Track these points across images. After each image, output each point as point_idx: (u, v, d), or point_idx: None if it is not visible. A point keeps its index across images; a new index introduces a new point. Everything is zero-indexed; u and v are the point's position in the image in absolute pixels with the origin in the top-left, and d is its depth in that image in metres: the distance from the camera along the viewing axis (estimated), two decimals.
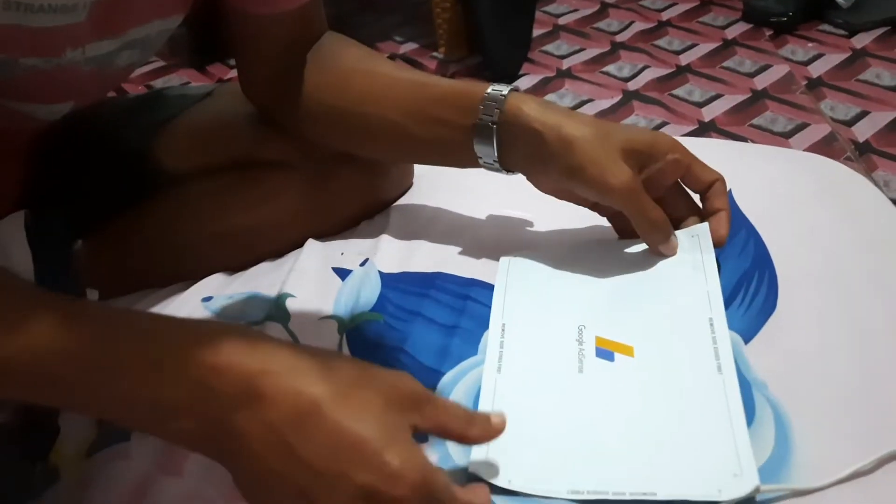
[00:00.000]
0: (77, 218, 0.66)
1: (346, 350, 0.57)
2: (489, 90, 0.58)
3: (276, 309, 0.60)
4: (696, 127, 1.55)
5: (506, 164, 0.60)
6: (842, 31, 1.87)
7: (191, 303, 0.63)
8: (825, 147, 1.46)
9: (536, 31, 1.94)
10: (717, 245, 0.57)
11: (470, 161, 0.60)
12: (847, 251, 0.62)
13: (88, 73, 0.56)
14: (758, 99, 1.63)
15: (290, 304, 0.60)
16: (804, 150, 1.43)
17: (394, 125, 0.62)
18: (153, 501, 0.46)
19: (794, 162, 0.74)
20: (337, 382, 0.38)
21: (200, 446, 0.39)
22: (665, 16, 2.04)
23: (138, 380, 0.38)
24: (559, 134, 0.56)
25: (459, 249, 0.66)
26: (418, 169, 0.76)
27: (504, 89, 0.58)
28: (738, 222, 0.65)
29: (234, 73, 1.80)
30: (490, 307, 0.58)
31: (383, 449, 0.36)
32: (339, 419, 0.37)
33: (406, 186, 0.75)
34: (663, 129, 1.55)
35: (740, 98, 1.63)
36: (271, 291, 0.63)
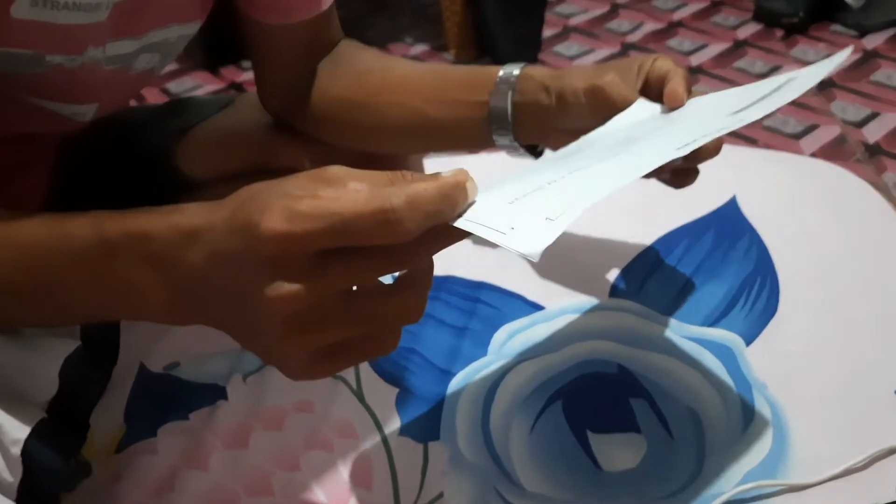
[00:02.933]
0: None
1: None
2: (502, 70, 0.60)
3: None
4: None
5: (521, 132, 0.60)
6: (853, 32, 1.88)
7: None
8: (835, 148, 1.47)
9: (546, 32, 1.95)
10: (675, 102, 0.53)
11: (486, 140, 0.62)
12: (847, 256, 0.64)
13: (109, 72, 0.59)
14: None
15: None
16: (814, 152, 1.45)
17: (411, 111, 0.64)
18: (179, 493, 0.49)
19: (798, 167, 0.76)
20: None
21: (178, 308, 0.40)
22: (676, 16, 2.05)
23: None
24: (571, 72, 0.57)
25: (469, 252, 0.68)
26: (427, 164, 0.78)
27: (517, 68, 0.60)
28: (742, 228, 0.67)
29: (246, 76, 1.83)
30: (501, 308, 0.61)
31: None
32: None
33: None
34: None
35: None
36: None
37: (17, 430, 0.44)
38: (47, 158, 0.71)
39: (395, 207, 0.33)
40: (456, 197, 0.35)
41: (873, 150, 1.46)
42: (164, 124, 0.74)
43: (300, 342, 0.36)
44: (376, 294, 0.36)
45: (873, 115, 1.56)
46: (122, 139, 0.73)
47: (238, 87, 1.82)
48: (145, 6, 0.56)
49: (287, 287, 0.34)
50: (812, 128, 1.53)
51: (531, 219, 0.37)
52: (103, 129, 0.72)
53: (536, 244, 0.35)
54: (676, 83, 0.54)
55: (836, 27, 1.90)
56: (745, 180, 0.71)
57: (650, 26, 2.00)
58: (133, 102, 0.83)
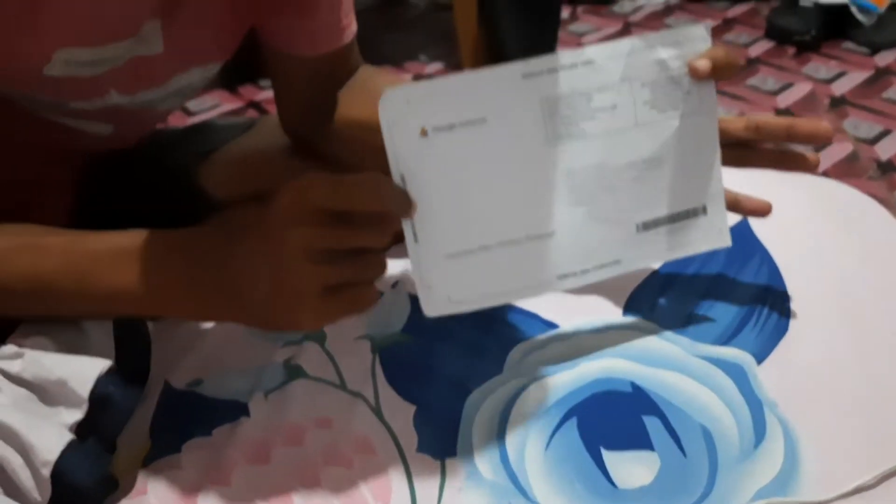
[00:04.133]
0: None
1: (378, 368, 0.60)
2: None
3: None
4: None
5: None
6: (864, 50, 1.89)
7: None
8: (848, 165, 1.48)
9: (560, 50, 1.98)
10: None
11: None
12: (858, 275, 0.65)
13: (130, 111, 0.61)
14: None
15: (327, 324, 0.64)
16: (827, 169, 1.45)
17: None
18: None
19: (809, 186, 0.76)
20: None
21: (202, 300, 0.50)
22: None
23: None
24: None
25: None
26: None
27: None
28: (752, 247, 0.68)
29: (264, 94, 1.86)
30: (516, 327, 0.62)
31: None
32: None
33: None
34: None
35: None
36: None
37: (47, 452, 0.46)
38: (73, 177, 0.73)
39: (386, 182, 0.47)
40: None
41: (885, 167, 1.47)
42: (188, 146, 0.76)
43: (316, 273, 0.45)
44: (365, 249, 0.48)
45: (886, 132, 1.57)
46: (147, 160, 0.75)
47: (256, 106, 1.85)
48: (167, 58, 0.58)
49: (305, 229, 0.45)
50: (825, 145, 1.54)
51: (445, 288, 0.51)
52: (129, 150, 0.74)
53: (433, 311, 0.52)
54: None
55: (848, 44, 1.92)
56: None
57: None
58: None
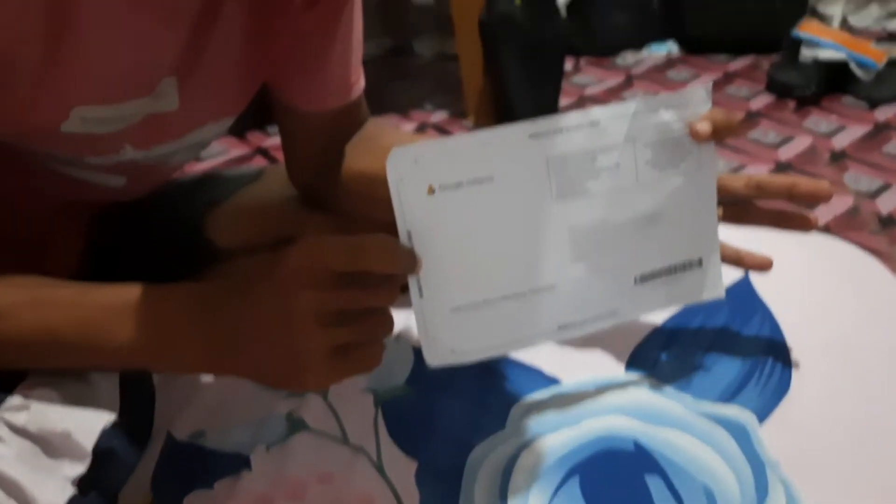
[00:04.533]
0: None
1: (381, 422, 0.60)
2: None
3: None
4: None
5: None
6: (864, 104, 1.91)
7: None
8: (849, 219, 1.49)
9: (563, 101, 2.00)
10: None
11: None
12: (859, 333, 0.65)
13: (144, 165, 0.63)
14: (782, 170, 1.67)
15: None
16: (828, 223, 1.46)
17: None
18: None
19: (809, 243, 0.77)
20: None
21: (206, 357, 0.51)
22: (690, 87, 2.10)
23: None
24: None
25: None
26: None
27: None
28: (754, 305, 0.68)
29: (271, 141, 1.88)
30: (519, 382, 0.62)
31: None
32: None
33: None
34: None
35: (765, 169, 1.67)
36: None
37: None
38: (84, 227, 0.74)
39: (395, 243, 0.48)
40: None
41: (886, 222, 1.47)
42: (197, 197, 0.78)
43: (324, 335, 0.46)
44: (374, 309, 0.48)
45: (886, 186, 1.58)
46: (157, 210, 0.76)
47: (263, 152, 1.88)
48: (182, 115, 0.60)
49: (315, 292, 0.46)
50: None
51: (448, 341, 0.53)
52: (139, 200, 0.75)
53: (436, 361, 0.53)
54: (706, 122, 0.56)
55: (848, 99, 1.94)
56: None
57: None
58: None
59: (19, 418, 0.50)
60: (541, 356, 0.64)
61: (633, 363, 0.64)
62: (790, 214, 0.60)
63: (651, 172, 0.55)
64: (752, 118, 1.91)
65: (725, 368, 0.62)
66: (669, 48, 2.32)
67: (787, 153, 1.74)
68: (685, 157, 0.56)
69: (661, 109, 0.55)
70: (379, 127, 0.75)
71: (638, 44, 2.32)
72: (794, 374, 0.61)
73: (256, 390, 0.64)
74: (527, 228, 0.53)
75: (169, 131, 0.61)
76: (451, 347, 0.53)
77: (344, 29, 0.67)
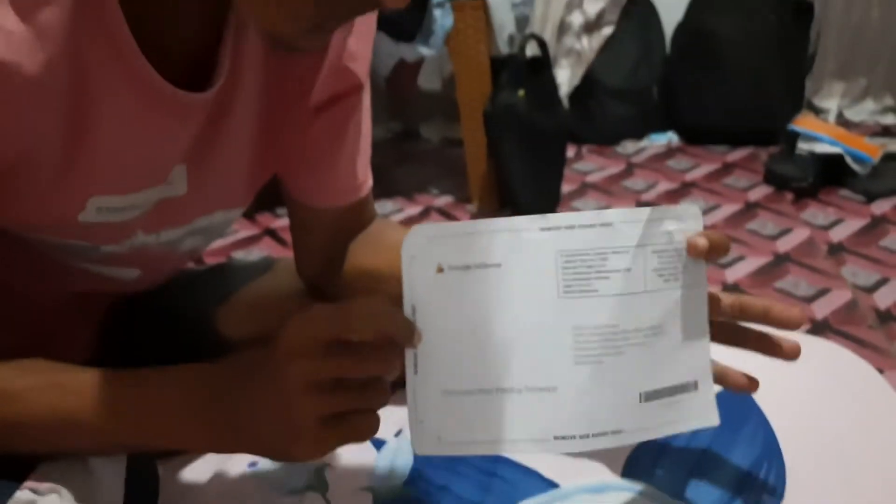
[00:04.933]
0: None
1: None
2: None
3: (315, 478, 0.65)
4: (719, 289, 1.61)
5: None
6: (860, 198, 1.95)
7: (237, 467, 0.68)
8: (848, 314, 1.50)
9: (565, 188, 2.05)
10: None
11: None
12: (853, 442, 0.66)
13: (157, 251, 0.65)
14: (780, 262, 1.69)
15: (329, 475, 0.65)
16: (826, 316, 1.48)
17: None
18: None
19: (804, 347, 0.79)
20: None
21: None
22: (689, 177, 2.15)
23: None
24: None
25: None
26: None
27: None
28: (748, 411, 0.69)
29: (280, 222, 1.92)
30: (517, 485, 0.63)
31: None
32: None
33: None
34: None
35: (763, 261, 1.69)
36: None
37: None
38: (96, 318, 0.76)
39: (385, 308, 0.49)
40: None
41: (885, 317, 1.49)
42: (207, 288, 0.80)
43: (314, 404, 0.47)
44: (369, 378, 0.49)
45: (883, 281, 1.60)
46: (169, 302, 0.78)
47: (272, 233, 1.91)
48: (190, 200, 0.62)
49: (304, 361, 0.47)
50: (824, 291, 1.57)
51: (437, 426, 0.52)
52: (151, 293, 0.77)
53: (422, 449, 0.53)
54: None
55: (845, 192, 1.98)
56: (751, 359, 0.73)
57: (664, 185, 2.09)
58: None
59: None
60: (539, 458, 0.65)
61: (629, 469, 0.64)
62: (773, 342, 0.60)
63: (656, 281, 0.55)
64: (750, 209, 1.95)
65: (720, 475, 0.63)
66: (669, 138, 2.38)
67: (785, 245, 1.77)
68: (683, 271, 0.56)
69: (666, 220, 0.55)
70: (384, 225, 0.78)
71: (638, 133, 2.39)
72: (789, 481, 0.62)
73: (257, 486, 0.65)
74: (531, 320, 0.53)
75: (178, 216, 0.63)
76: (438, 434, 0.52)
77: (353, 132, 0.70)
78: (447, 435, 0.52)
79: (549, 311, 0.53)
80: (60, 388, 0.54)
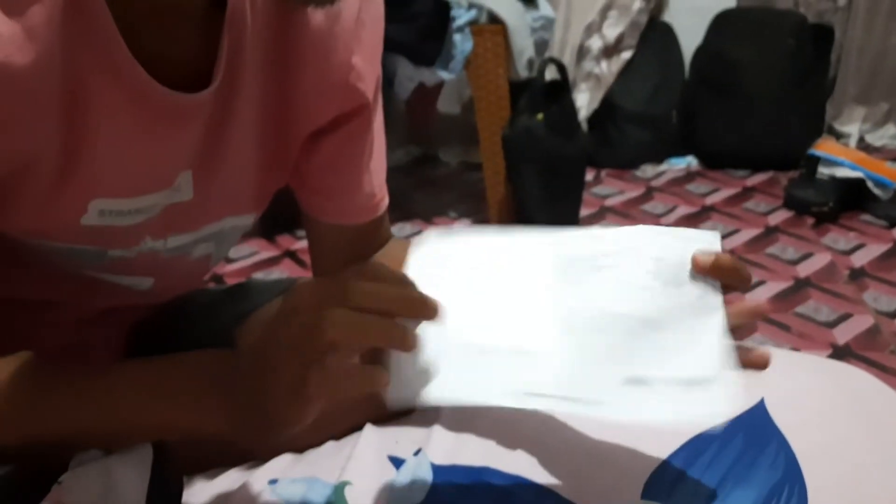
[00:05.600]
0: None
1: None
2: None
3: (335, 496, 0.65)
4: None
5: None
6: (882, 223, 1.94)
7: (258, 483, 0.69)
8: (869, 339, 1.49)
9: (584, 211, 2.05)
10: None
11: None
12: (875, 466, 0.65)
13: (168, 258, 0.66)
14: (801, 287, 1.68)
15: (349, 492, 0.66)
16: (848, 341, 1.46)
17: None
18: None
19: (825, 371, 0.78)
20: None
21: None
22: (709, 201, 2.14)
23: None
24: None
25: (506, 444, 0.71)
26: None
27: None
28: (770, 433, 0.69)
29: (300, 244, 1.93)
30: None
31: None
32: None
33: None
34: None
35: (784, 286, 1.68)
36: (332, 477, 0.68)
37: None
38: (117, 341, 0.77)
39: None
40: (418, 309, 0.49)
41: None
42: (227, 308, 0.81)
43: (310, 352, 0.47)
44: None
45: None
46: (189, 321, 0.79)
47: (292, 255, 1.93)
48: (197, 206, 0.63)
49: (307, 317, 0.47)
50: (845, 317, 1.55)
51: (411, 380, 0.51)
52: (171, 311, 0.78)
53: (394, 402, 0.52)
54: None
55: (866, 217, 1.97)
56: (772, 382, 0.73)
57: (683, 209, 2.09)
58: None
59: None
60: (558, 479, 0.65)
61: (648, 491, 0.64)
62: (746, 351, 0.60)
63: (652, 282, 0.57)
64: (770, 233, 1.94)
65: (740, 500, 0.62)
66: (689, 162, 2.38)
67: (805, 270, 1.76)
68: (690, 282, 0.57)
69: (668, 236, 0.58)
70: (399, 246, 0.78)
71: (657, 157, 2.39)
72: None
73: (277, 502, 0.65)
74: (521, 295, 0.57)
75: (186, 221, 0.64)
76: (413, 386, 0.52)
77: (367, 151, 0.71)
78: (421, 386, 0.52)
79: (541, 291, 0.56)
80: (79, 384, 0.55)
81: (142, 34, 0.51)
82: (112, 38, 0.49)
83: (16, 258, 0.60)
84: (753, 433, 0.68)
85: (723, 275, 0.56)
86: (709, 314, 0.57)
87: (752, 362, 0.61)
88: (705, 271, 0.56)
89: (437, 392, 0.52)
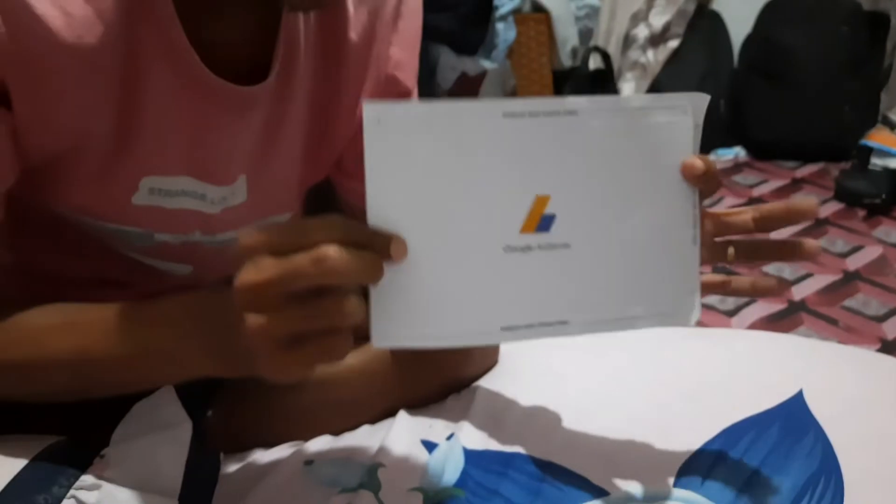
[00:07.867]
0: (208, 391, 0.75)
1: None
2: None
3: (368, 477, 0.66)
4: (785, 307, 1.56)
5: None
6: None
7: (294, 464, 0.70)
8: None
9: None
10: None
11: None
12: None
13: (209, 249, 0.68)
14: (850, 280, 1.64)
15: (382, 474, 0.66)
16: None
17: None
18: None
19: (867, 363, 0.77)
20: None
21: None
22: (756, 192, 2.10)
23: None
24: None
25: (538, 430, 0.71)
26: (503, 348, 0.83)
27: None
28: (807, 424, 0.68)
29: None
30: (566, 491, 0.63)
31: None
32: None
33: (490, 365, 0.82)
34: (750, 306, 1.57)
35: (832, 279, 1.64)
36: (365, 459, 0.69)
37: None
38: None
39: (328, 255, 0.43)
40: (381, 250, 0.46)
41: None
42: None
43: (265, 324, 0.43)
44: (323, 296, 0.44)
45: None
46: None
47: None
48: (249, 207, 0.65)
49: (247, 274, 0.45)
50: (894, 311, 1.52)
51: (391, 321, 0.48)
52: None
53: (378, 342, 0.48)
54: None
55: None
56: (812, 374, 0.72)
57: (730, 200, 2.05)
58: None
59: (91, 497, 0.53)
60: (589, 465, 0.65)
61: (681, 478, 0.64)
62: (795, 244, 0.59)
63: (627, 176, 0.53)
64: (820, 226, 1.90)
65: (775, 489, 0.62)
66: (737, 153, 2.34)
67: (855, 262, 1.72)
68: (662, 182, 0.55)
69: (655, 111, 0.55)
70: None
71: (705, 148, 2.34)
72: (847, 499, 0.61)
73: (311, 483, 0.66)
74: (484, 211, 0.50)
75: (237, 221, 0.66)
76: (393, 329, 0.48)
77: None
78: (406, 326, 0.49)
79: (504, 202, 0.50)
80: (73, 325, 0.56)
81: (200, 20, 0.54)
82: (171, 22, 0.52)
83: (66, 236, 0.62)
84: (790, 423, 0.67)
85: (704, 183, 0.55)
86: (680, 217, 0.55)
87: (767, 288, 0.60)
88: (693, 178, 0.55)
89: (419, 331, 0.49)
